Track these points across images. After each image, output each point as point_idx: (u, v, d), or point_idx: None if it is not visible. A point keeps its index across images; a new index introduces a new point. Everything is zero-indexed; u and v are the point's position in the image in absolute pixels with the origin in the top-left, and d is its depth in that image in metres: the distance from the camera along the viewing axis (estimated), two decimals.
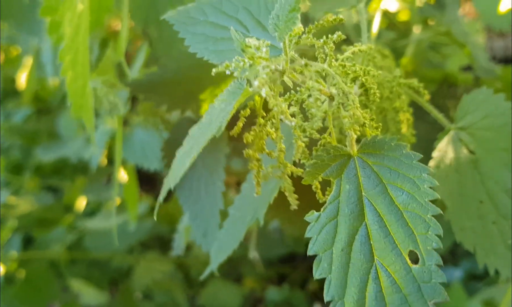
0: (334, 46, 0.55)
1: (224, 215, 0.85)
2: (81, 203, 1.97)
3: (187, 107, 0.93)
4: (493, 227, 0.75)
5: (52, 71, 1.25)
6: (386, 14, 1.53)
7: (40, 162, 1.98)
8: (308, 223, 0.54)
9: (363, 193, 0.53)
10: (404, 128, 0.73)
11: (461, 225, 0.75)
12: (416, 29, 1.39)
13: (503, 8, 1.65)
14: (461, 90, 1.45)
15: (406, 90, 0.76)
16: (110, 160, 1.61)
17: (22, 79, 1.79)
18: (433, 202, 0.51)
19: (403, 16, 1.53)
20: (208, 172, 0.90)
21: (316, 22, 0.55)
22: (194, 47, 0.67)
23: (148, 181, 1.88)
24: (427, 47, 1.39)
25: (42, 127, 2.05)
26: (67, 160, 1.83)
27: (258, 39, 0.59)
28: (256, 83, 0.45)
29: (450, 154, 0.77)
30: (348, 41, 0.71)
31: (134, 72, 1.20)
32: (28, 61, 1.68)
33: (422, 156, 0.52)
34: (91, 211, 2.02)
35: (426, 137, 0.87)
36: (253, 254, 1.48)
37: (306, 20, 0.82)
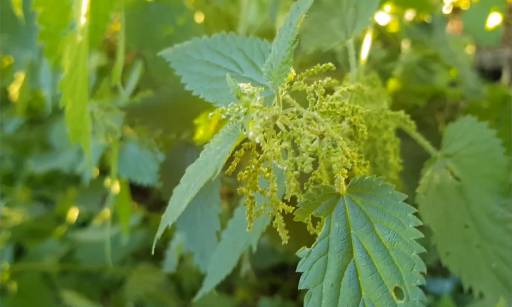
0: (324, 91, 0.58)
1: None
2: (73, 214, 1.97)
3: (182, 132, 0.95)
4: (477, 250, 0.78)
5: (51, 94, 1.26)
6: (376, 26, 1.56)
7: (32, 172, 1.97)
8: (296, 240, 0.57)
9: (351, 231, 0.55)
10: (392, 159, 0.75)
11: (447, 250, 0.78)
12: (405, 44, 1.41)
13: (490, 24, 1.68)
14: (450, 105, 1.48)
15: (394, 118, 0.78)
16: (102, 171, 1.62)
17: (15, 90, 1.80)
18: (417, 240, 0.53)
19: (393, 28, 1.56)
20: (203, 195, 0.92)
21: (307, 70, 0.58)
22: (191, 85, 0.70)
23: (140, 191, 1.89)
24: (416, 63, 1.41)
25: (34, 138, 2.04)
26: (59, 170, 1.83)
27: (252, 79, 0.62)
28: (251, 133, 0.47)
29: (437, 181, 0.79)
30: (338, 67, 0.73)
31: (128, 91, 1.22)
32: (22, 72, 1.69)
33: (407, 196, 0.54)
34: (83, 222, 2.02)
35: (413, 155, 0.90)
36: (246, 265, 1.49)
37: (298, 51, 0.84)
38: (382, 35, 1.68)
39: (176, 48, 0.74)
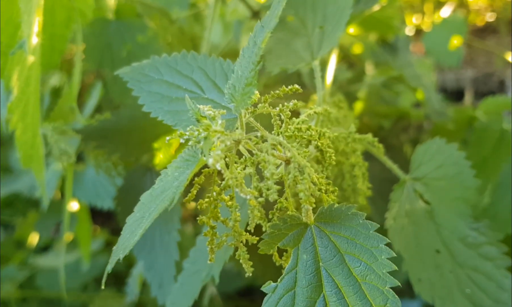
0: (290, 114, 0.55)
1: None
2: (34, 238, 1.91)
3: (141, 156, 0.91)
4: (450, 276, 0.76)
5: (5, 114, 1.21)
6: (340, 48, 1.55)
7: None
8: (263, 263, 0.53)
9: (320, 264, 0.52)
10: (360, 183, 0.73)
11: (418, 276, 0.75)
12: (369, 65, 1.41)
13: (452, 46, 1.70)
14: (414, 126, 1.48)
15: (362, 142, 0.76)
16: (64, 194, 1.57)
17: None
18: (391, 273, 0.50)
19: (357, 50, 1.55)
20: (163, 221, 0.88)
21: (272, 92, 0.55)
22: (149, 106, 0.66)
23: (103, 214, 1.84)
24: (381, 85, 1.40)
25: None
26: (19, 193, 1.78)
27: (214, 101, 0.58)
28: (211, 160, 0.44)
29: (406, 206, 0.77)
30: (303, 88, 0.71)
31: (87, 112, 1.18)
32: None
33: (379, 225, 0.51)
34: (44, 247, 1.97)
35: (380, 177, 0.88)
36: (211, 289, 1.46)
37: (262, 72, 0.82)
38: (346, 57, 1.67)
39: (134, 67, 0.70)
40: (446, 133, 1.29)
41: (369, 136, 0.73)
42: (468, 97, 1.99)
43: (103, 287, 0.54)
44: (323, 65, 1.12)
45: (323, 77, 0.79)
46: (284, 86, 0.56)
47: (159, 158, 0.90)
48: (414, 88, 1.18)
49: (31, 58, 0.72)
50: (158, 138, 0.89)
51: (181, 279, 0.79)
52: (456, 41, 1.71)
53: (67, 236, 1.83)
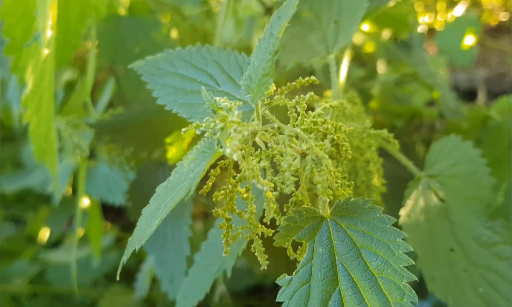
0: (306, 106, 0.54)
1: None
2: (44, 234, 1.92)
3: (153, 150, 0.91)
4: (463, 275, 0.75)
5: (18, 108, 1.22)
6: (352, 46, 1.55)
7: (3, 191, 1.93)
8: (275, 261, 0.52)
9: (336, 257, 0.51)
10: (375, 179, 0.72)
11: (432, 274, 0.75)
12: (381, 64, 1.40)
13: (465, 45, 1.68)
14: (426, 125, 1.47)
15: (376, 138, 0.75)
16: (75, 190, 1.58)
17: None
18: (407, 268, 0.49)
19: (369, 48, 1.55)
20: (174, 216, 0.88)
21: (288, 83, 0.54)
22: (163, 99, 0.66)
23: (113, 210, 1.84)
24: (393, 83, 1.40)
25: (6, 156, 2.01)
26: (31, 189, 1.79)
27: (229, 94, 0.58)
28: (228, 150, 0.43)
29: (421, 203, 0.76)
30: (316, 85, 0.70)
31: (100, 108, 1.18)
32: None
33: (396, 219, 0.51)
34: (55, 242, 1.98)
35: (393, 175, 0.88)
36: (220, 287, 1.46)
37: (277, 66, 0.81)
38: (358, 55, 1.67)
39: (148, 60, 0.70)
40: (460, 132, 1.28)
41: (385, 131, 0.72)
42: (481, 97, 1.98)
43: (118, 278, 0.54)
44: (337, 61, 1.12)
45: (338, 72, 0.78)
46: (300, 78, 0.55)
47: (172, 152, 0.89)
48: (429, 85, 1.17)
49: (45, 51, 0.72)
50: (170, 133, 0.88)
51: (192, 273, 0.79)
52: (468, 41, 1.70)
53: (79, 232, 1.84)
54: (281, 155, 0.48)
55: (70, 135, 0.92)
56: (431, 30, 2.20)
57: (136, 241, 0.52)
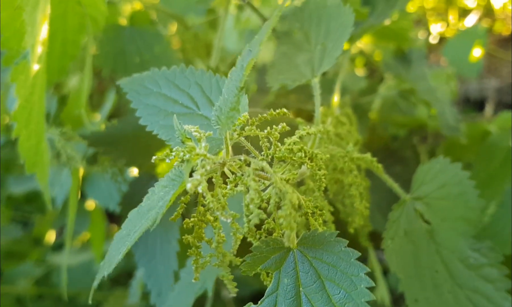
0: (278, 136, 0.54)
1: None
2: (51, 236, 1.94)
3: (145, 164, 0.92)
4: (448, 296, 0.75)
5: None
6: (362, 53, 1.55)
7: (11, 192, 1.94)
8: None
9: (301, 288, 0.52)
10: (357, 203, 0.72)
11: (415, 297, 0.74)
12: (388, 73, 1.39)
13: (473, 57, 1.67)
14: (432, 135, 1.46)
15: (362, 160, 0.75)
16: (83, 194, 1.59)
17: None
18: (369, 303, 0.49)
19: (377, 57, 1.54)
20: (163, 229, 0.89)
21: (260, 115, 0.55)
22: (145, 119, 0.66)
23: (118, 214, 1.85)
24: (397, 94, 1.39)
25: (14, 157, 2.02)
26: (39, 191, 1.81)
27: (207, 118, 0.58)
28: (189, 185, 0.44)
29: (405, 225, 0.76)
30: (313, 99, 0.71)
31: (103, 116, 1.19)
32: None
33: (360, 254, 0.51)
34: (61, 244, 1.99)
35: (387, 188, 0.87)
36: (225, 293, 1.46)
37: (265, 84, 0.81)
38: (368, 63, 1.67)
39: (134, 78, 0.71)
40: (459, 148, 1.28)
41: (368, 156, 0.72)
42: (488, 109, 1.97)
43: (89, 301, 0.54)
44: (334, 75, 1.12)
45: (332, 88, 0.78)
46: (272, 109, 0.56)
47: (161, 167, 0.90)
48: (426, 102, 1.17)
49: (35, 67, 0.73)
50: (161, 147, 0.89)
51: (178, 288, 0.80)
52: (476, 53, 1.69)
53: (83, 235, 1.85)
54: (247, 187, 0.49)
55: (64, 146, 0.93)
56: (443, 39, 2.19)
57: (106, 266, 0.52)
